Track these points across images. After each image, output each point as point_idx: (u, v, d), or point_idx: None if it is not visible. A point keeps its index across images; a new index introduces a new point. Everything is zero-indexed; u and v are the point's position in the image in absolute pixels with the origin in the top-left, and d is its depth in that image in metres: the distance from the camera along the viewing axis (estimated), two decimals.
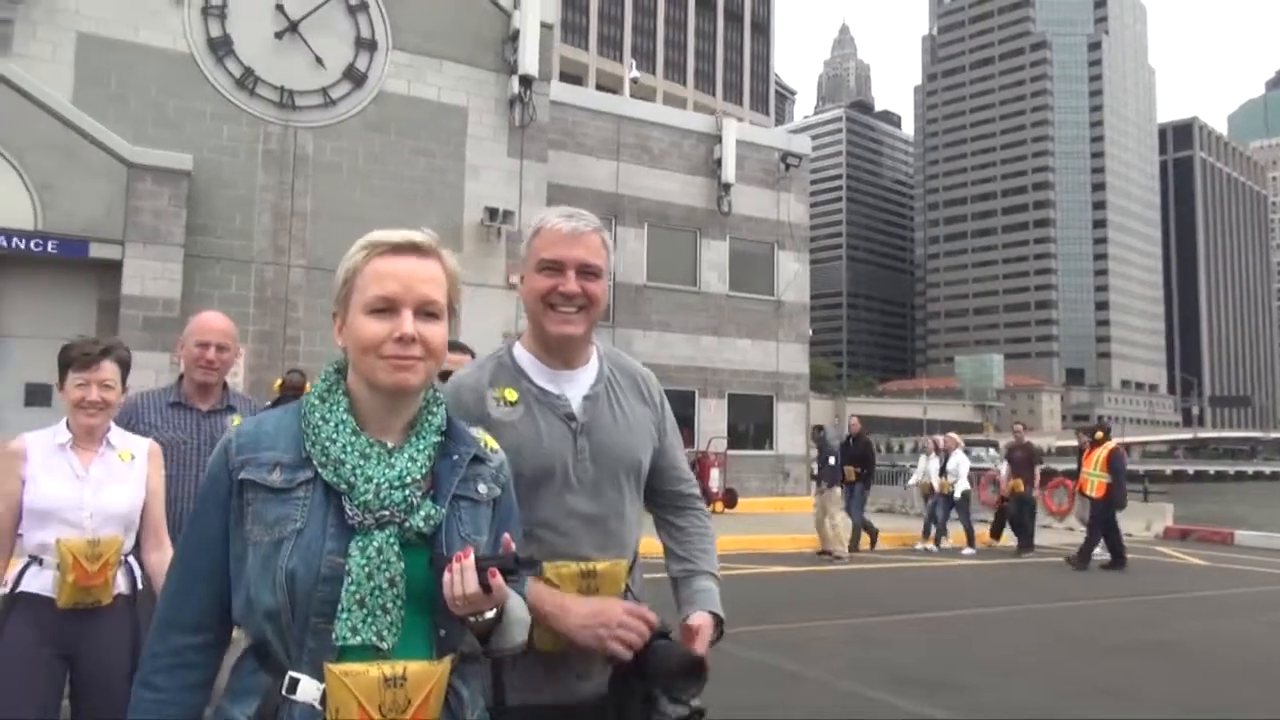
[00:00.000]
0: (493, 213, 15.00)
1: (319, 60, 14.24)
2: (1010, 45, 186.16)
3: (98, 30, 12.98)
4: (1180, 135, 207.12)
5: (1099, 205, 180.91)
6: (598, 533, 1.88)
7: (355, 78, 14.52)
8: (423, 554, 1.44)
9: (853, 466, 12.94)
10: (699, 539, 2.08)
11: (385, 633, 1.38)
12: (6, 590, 2.82)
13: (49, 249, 11.90)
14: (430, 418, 1.52)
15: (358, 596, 1.37)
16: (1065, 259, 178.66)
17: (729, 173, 20.57)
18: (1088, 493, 12.76)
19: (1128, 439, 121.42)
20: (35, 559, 2.82)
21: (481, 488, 1.53)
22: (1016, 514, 13.93)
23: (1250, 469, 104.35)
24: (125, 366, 2.98)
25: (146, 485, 3.00)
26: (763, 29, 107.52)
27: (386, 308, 1.43)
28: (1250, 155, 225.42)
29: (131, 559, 2.98)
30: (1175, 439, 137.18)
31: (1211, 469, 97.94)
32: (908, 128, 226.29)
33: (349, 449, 1.43)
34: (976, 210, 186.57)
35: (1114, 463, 12.65)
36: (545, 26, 15.98)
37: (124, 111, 12.94)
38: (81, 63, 12.82)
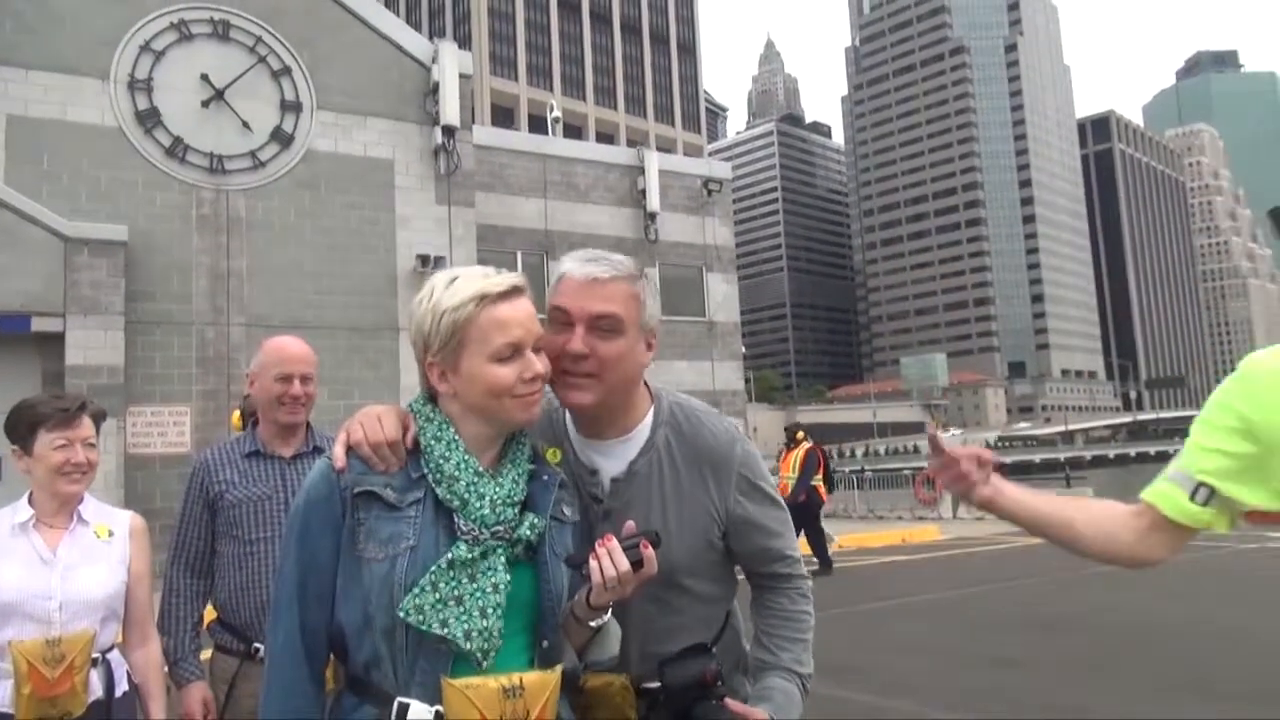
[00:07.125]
0: (424, 259, 15.61)
1: (246, 125, 14.76)
2: (930, 51, 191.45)
3: (26, 111, 13.39)
4: (1099, 129, 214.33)
5: (1027, 201, 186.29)
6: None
7: (282, 139, 15.07)
8: (524, 571, 1.47)
9: None
10: (783, 625, 1.78)
11: (476, 634, 1.38)
12: None
13: None
14: (520, 447, 1.57)
15: (432, 580, 1.37)
16: (998, 256, 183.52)
17: (654, 202, 21.39)
18: (786, 495, 12.39)
19: (1071, 426, 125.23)
20: None
21: (567, 510, 1.58)
22: None
23: None
24: (99, 424, 2.55)
25: (128, 567, 2.52)
26: (689, 50, 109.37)
27: (514, 354, 1.49)
28: (1166, 144, 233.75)
29: (113, 655, 2.47)
30: (1116, 423, 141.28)
31: (1153, 450, 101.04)
32: (838, 137, 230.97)
33: (462, 467, 1.46)
34: (910, 214, 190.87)
35: (805, 464, 12.57)
36: (464, 78, 16.69)
37: (58, 188, 13.35)
38: (12, 143, 13.21)
